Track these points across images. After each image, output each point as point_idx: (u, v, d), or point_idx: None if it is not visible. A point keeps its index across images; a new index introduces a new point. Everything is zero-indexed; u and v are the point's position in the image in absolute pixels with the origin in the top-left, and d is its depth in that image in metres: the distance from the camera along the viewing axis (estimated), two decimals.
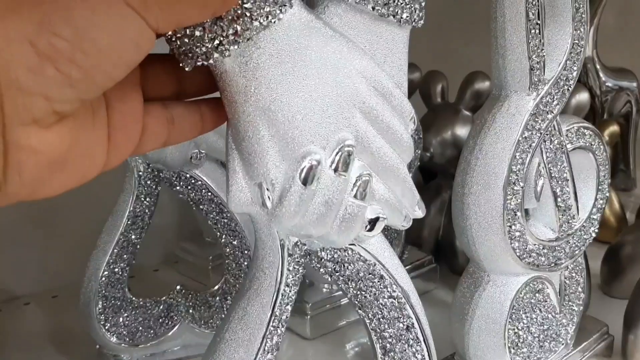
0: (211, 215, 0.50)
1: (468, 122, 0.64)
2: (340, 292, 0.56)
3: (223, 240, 0.50)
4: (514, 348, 0.43)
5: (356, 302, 0.34)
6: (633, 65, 0.88)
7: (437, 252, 0.68)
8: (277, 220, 0.29)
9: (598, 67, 0.84)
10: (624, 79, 0.86)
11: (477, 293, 0.42)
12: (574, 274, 0.46)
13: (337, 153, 0.28)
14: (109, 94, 0.25)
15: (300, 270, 0.32)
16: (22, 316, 0.63)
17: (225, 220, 0.50)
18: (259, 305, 0.31)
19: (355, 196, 0.29)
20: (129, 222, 0.48)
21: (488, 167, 0.39)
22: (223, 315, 0.52)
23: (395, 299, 0.33)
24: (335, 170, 0.28)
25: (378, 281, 0.33)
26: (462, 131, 0.64)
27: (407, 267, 0.63)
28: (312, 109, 0.27)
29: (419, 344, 0.34)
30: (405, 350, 0.34)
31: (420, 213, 0.33)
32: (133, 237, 0.49)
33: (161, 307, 0.52)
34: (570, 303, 0.46)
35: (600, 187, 0.45)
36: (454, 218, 0.41)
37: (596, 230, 0.45)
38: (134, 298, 0.51)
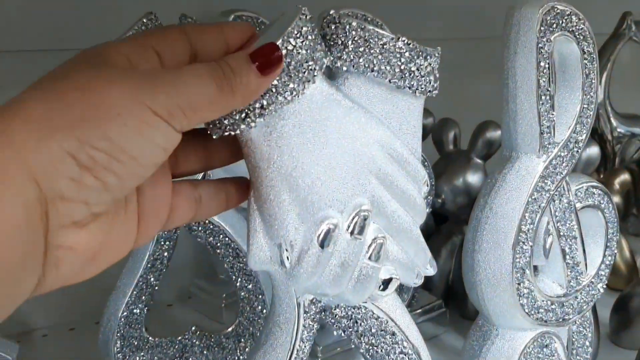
0: (227, 260, 0.51)
1: (479, 170, 0.65)
2: None
3: (238, 284, 0.52)
4: None
5: (368, 357, 0.35)
6: None
7: (447, 296, 0.68)
8: (294, 280, 0.30)
9: (610, 113, 0.85)
10: (636, 125, 0.87)
11: (486, 347, 0.43)
12: (581, 329, 0.47)
13: (354, 217, 0.30)
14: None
15: (315, 327, 0.33)
16: (40, 348, 0.64)
17: (241, 265, 0.51)
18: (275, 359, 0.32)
19: (370, 258, 0.31)
20: (148, 265, 0.50)
21: (498, 226, 0.40)
22: (236, 357, 0.53)
23: (406, 355, 0.35)
24: (352, 233, 0.30)
25: (390, 337, 0.34)
26: (473, 178, 0.65)
27: (417, 311, 0.64)
28: (331, 176, 0.29)
29: None
30: None
31: (432, 271, 0.34)
32: (152, 279, 0.50)
33: (176, 347, 0.53)
34: (578, 357, 0.47)
35: (608, 244, 0.46)
36: (464, 273, 0.42)
37: (604, 286, 0.45)
38: (150, 338, 0.52)
